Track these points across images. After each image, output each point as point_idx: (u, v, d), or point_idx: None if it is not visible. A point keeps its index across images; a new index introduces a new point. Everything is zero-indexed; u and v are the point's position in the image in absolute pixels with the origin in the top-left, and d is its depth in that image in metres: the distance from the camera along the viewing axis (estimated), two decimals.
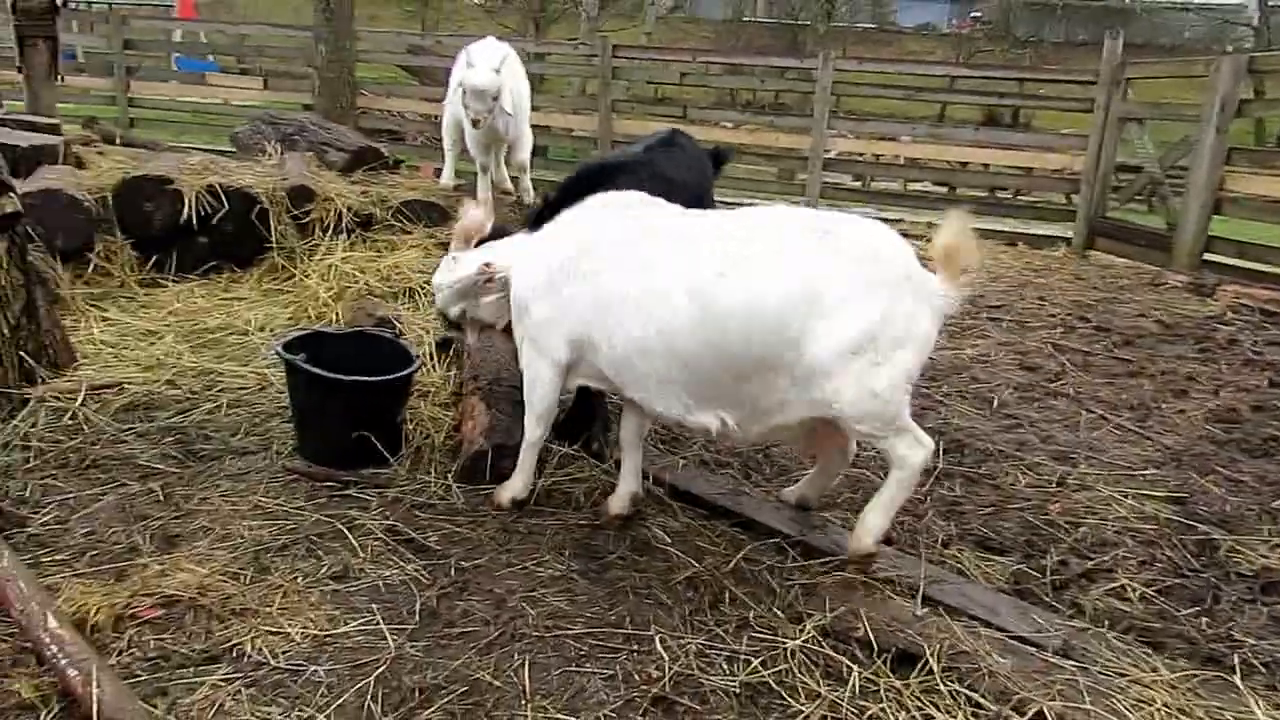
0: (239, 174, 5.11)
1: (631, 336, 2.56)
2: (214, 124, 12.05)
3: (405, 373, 3.10)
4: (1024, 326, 5.60)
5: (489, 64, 5.20)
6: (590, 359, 2.73)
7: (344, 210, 5.01)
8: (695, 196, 3.32)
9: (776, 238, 2.48)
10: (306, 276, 4.67)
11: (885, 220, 9.96)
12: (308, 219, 4.97)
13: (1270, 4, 27.56)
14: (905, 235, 8.88)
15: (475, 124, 5.29)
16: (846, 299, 2.37)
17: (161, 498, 2.87)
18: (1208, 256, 7.31)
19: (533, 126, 6.23)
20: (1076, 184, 8.63)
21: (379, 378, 3.06)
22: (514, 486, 2.93)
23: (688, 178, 3.52)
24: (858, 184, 9.80)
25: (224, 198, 4.74)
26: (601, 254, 2.65)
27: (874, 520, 2.55)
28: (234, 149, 6.73)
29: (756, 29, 33.39)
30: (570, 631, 2.36)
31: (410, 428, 3.35)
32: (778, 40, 31.28)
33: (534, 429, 2.89)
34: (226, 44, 16.03)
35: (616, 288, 2.59)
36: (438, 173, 6.40)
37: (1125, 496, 3.33)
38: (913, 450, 2.48)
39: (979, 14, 33.41)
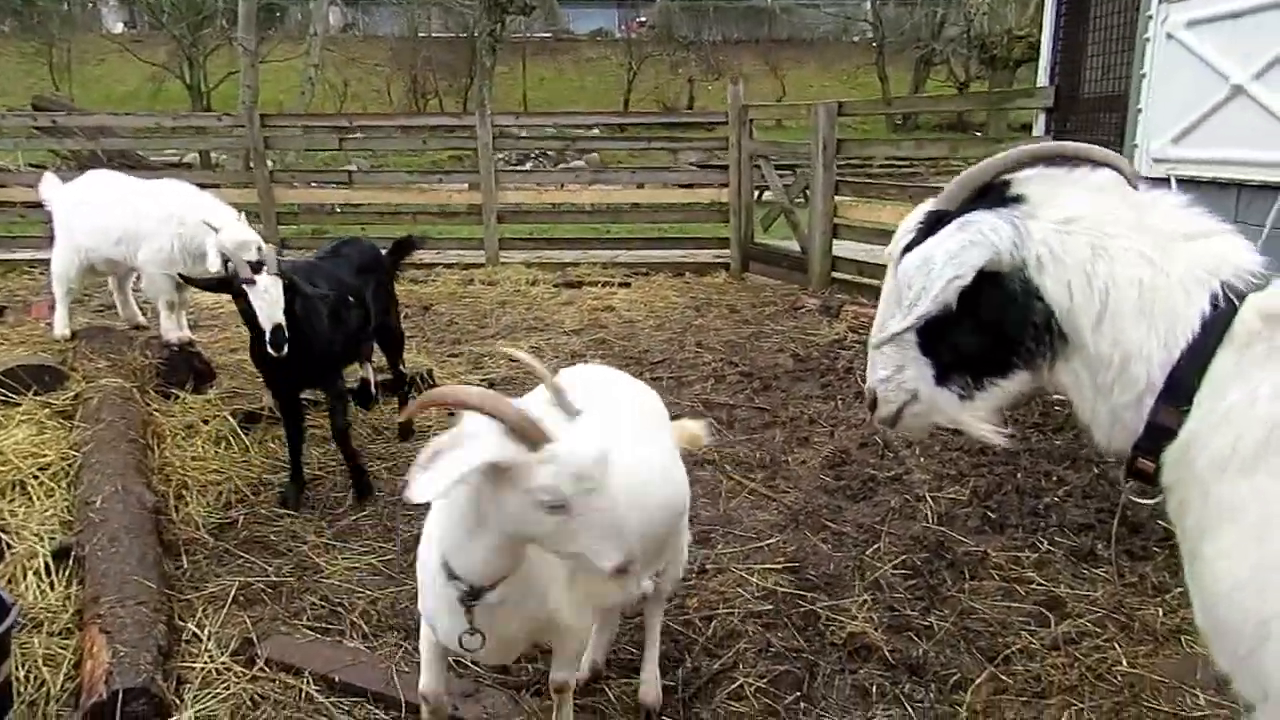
0: None
1: None
2: None
3: None
4: (681, 383, 6.10)
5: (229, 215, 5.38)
6: None
7: None
8: (360, 290, 4.69)
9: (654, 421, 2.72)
10: None
11: (564, 265, 10.08)
12: None
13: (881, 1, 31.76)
14: (583, 283, 9.06)
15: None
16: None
17: None
18: (836, 275, 8.39)
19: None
20: (727, 214, 9.50)
21: None
22: None
23: (352, 280, 4.70)
24: (533, 233, 10.12)
25: None
26: None
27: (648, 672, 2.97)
28: None
29: (434, 44, 32.99)
30: None
31: (21, 676, 3.02)
32: (456, 55, 31.14)
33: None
34: None
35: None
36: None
37: (751, 575, 3.77)
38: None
39: (644, 19, 35.45)
